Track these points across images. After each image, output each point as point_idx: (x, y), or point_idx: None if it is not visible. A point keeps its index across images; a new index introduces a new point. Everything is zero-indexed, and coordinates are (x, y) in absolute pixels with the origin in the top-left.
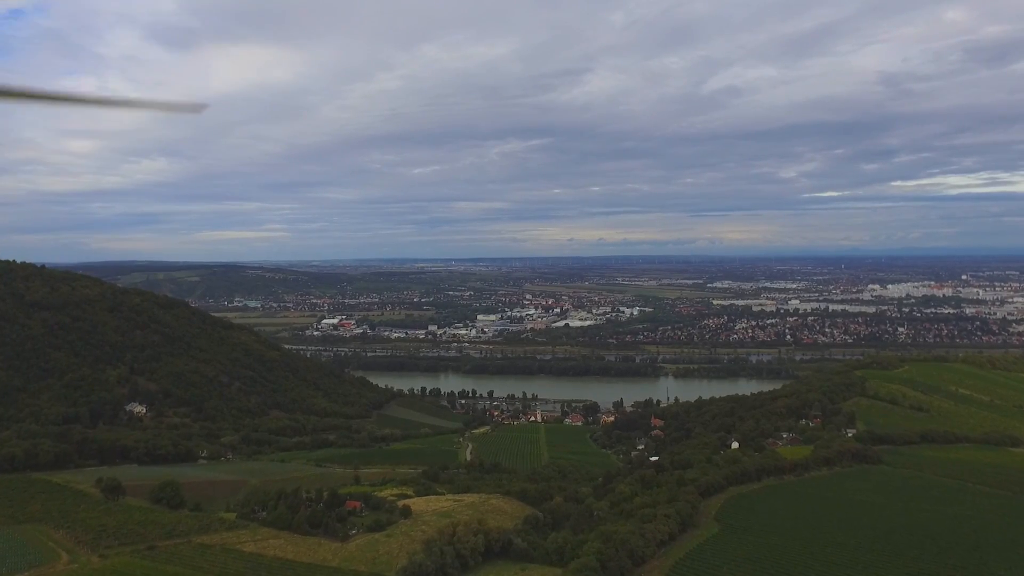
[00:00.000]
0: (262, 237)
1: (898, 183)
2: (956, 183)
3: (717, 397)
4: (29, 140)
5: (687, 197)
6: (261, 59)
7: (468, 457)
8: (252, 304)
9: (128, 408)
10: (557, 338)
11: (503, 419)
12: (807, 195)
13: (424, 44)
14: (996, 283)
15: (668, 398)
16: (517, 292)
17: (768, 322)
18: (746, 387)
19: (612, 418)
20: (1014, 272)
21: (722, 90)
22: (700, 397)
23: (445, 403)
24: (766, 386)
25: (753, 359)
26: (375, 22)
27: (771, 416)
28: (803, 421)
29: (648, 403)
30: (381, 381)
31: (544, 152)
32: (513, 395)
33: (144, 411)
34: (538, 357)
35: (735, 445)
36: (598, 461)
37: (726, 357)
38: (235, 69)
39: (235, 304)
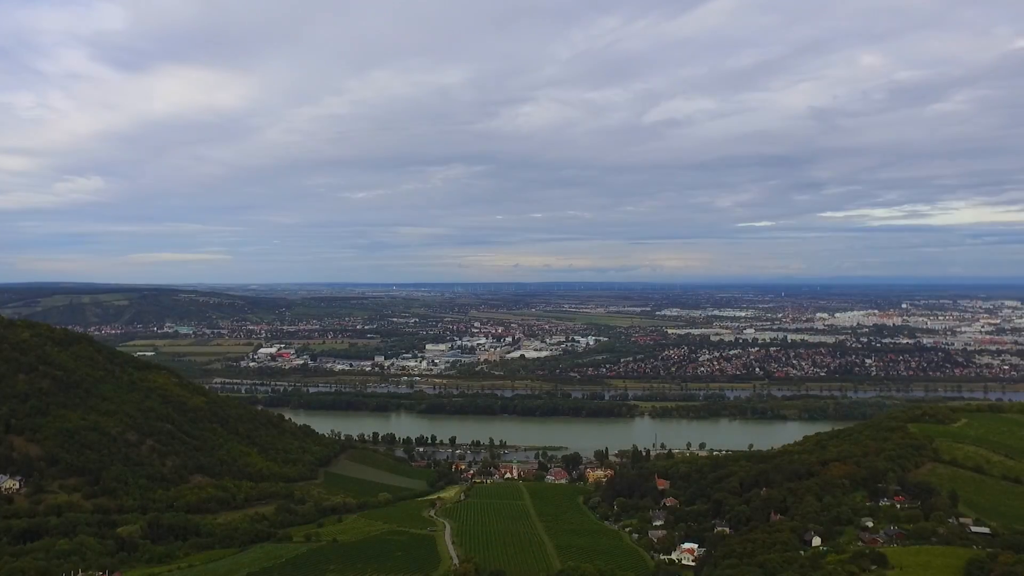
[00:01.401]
0: (201, 260)
1: (828, 214)
2: (880, 215)
3: (732, 452)
4: None
5: (627, 225)
6: (208, 81)
7: (453, 557)
8: (184, 330)
9: None
10: (515, 371)
11: (473, 475)
12: (742, 224)
13: (376, 70)
14: (935, 312)
15: (655, 444)
16: (464, 319)
17: (731, 353)
18: (732, 429)
19: (599, 473)
20: (947, 301)
21: (662, 122)
22: (710, 450)
23: (402, 452)
24: (754, 428)
25: (730, 395)
26: (328, 47)
27: (831, 489)
28: (884, 501)
29: (637, 454)
30: (326, 423)
31: (487, 179)
32: (478, 441)
33: (17, 486)
34: (498, 394)
35: (817, 541)
36: (612, 547)
37: (700, 393)
38: (181, 90)
39: (165, 330)
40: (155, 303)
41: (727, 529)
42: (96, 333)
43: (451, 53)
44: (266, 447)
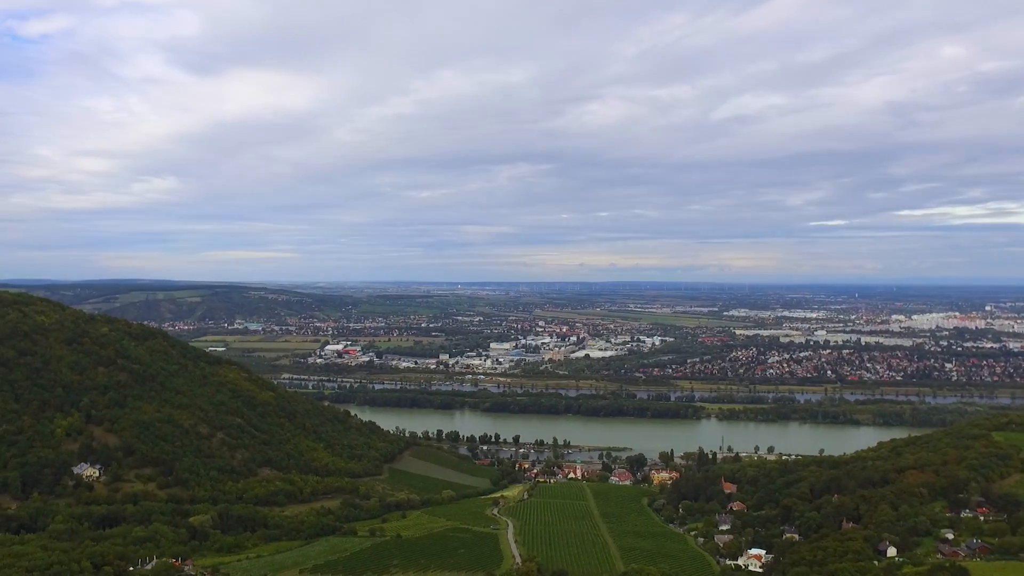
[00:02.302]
0: (269, 258)
1: (905, 212)
2: (962, 213)
3: (802, 457)
4: (44, 158)
5: (695, 224)
6: (277, 83)
7: (515, 555)
8: (253, 327)
9: (77, 471)
10: (579, 371)
11: (537, 474)
12: (814, 223)
13: (441, 69)
14: (1022, 315)
15: (721, 447)
16: (528, 318)
17: (802, 355)
18: (802, 433)
19: (664, 475)
20: None
21: (730, 119)
22: (779, 454)
23: (465, 450)
24: (825, 432)
25: (800, 398)
26: (394, 48)
27: (907, 497)
28: (965, 513)
29: (703, 457)
30: (391, 420)
31: (553, 177)
32: (542, 441)
33: (97, 475)
34: (562, 393)
35: (892, 551)
36: (677, 550)
37: (769, 396)
38: (251, 92)
39: (236, 326)
40: (226, 300)
41: (796, 536)
42: (170, 329)
43: (516, 52)
44: (332, 442)
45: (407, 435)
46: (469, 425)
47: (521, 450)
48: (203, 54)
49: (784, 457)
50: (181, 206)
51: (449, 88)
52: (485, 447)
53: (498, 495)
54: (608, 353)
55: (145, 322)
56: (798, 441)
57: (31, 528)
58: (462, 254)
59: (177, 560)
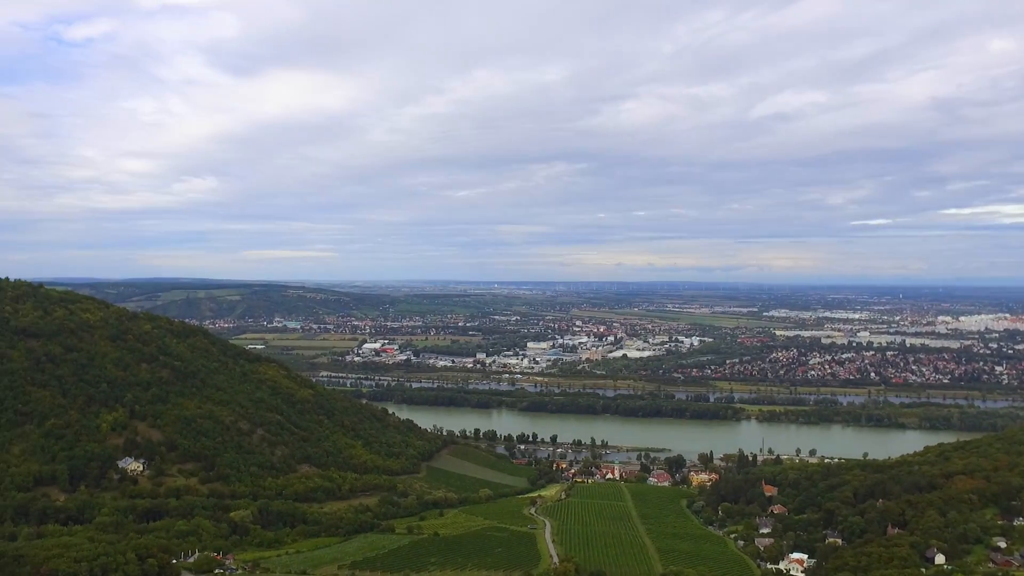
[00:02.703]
0: (308, 257)
1: (951, 211)
2: (1012, 212)
3: (844, 461)
4: (88, 159)
5: (733, 223)
6: (315, 84)
7: (553, 555)
8: (292, 325)
9: (122, 465)
10: (617, 371)
11: (574, 474)
12: (856, 222)
13: (477, 69)
14: None
15: (761, 449)
16: (565, 318)
17: (844, 356)
18: (845, 436)
19: (703, 477)
20: None
21: (769, 116)
22: (821, 457)
23: (503, 450)
24: (868, 436)
25: (842, 400)
26: (429, 48)
27: (956, 504)
28: (1019, 521)
29: (743, 459)
30: (428, 418)
31: (589, 176)
32: (580, 441)
33: (141, 469)
34: (600, 393)
35: (940, 559)
36: (716, 553)
37: (810, 397)
38: (289, 93)
39: (274, 324)
40: (265, 298)
41: (839, 541)
42: (210, 326)
43: (552, 50)
44: (370, 440)
45: (445, 434)
46: (506, 424)
47: (559, 450)
48: (242, 55)
49: (826, 460)
50: (221, 206)
51: (485, 87)
52: (522, 446)
53: (535, 495)
54: (646, 353)
55: (186, 320)
56: (841, 444)
57: (79, 520)
58: (499, 253)
59: (218, 554)
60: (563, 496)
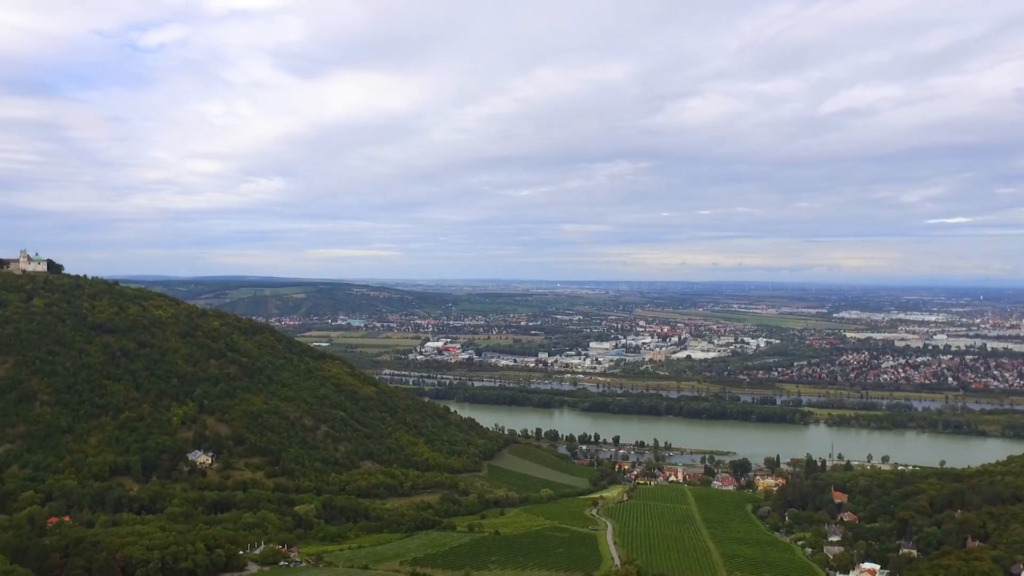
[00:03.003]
0: (371, 256)
1: None
2: None
3: (919, 468)
4: (161, 161)
5: (801, 222)
6: (378, 85)
7: (614, 557)
8: (356, 323)
9: (191, 457)
10: (680, 372)
11: (636, 476)
12: (932, 221)
13: (540, 68)
14: None
15: (831, 455)
16: (628, 318)
17: (919, 360)
18: (920, 443)
19: (769, 481)
20: None
21: (840, 112)
22: (894, 464)
23: (564, 450)
24: (945, 443)
25: (917, 406)
26: (492, 48)
27: None
28: None
29: (811, 464)
30: (490, 417)
31: (653, 175)
32: (642, 442)
33: (209, 462)
34: (663, 394)
35: None
36: (783, 560)
37: (882, 402)
38: (353, 94)
39: (339, 322)
40: (329, 297)
41: (914, 552)
42: (276, 324)
43: (614, 48)
44: (432, 438)
45: (506, 433)
46: (568, 424)
47: (621, 451)
48: (306, 58)
49: (900, 467)
50: (287, 205)
51: (548, 86)
52: (584, 447)
53: (597, 495)
54: (711, 354)
55: (253, 317)
56: (915, 451)
57: (151, 509)
58: (561, 253)
59: (283, 546)
60: (625, 498)
